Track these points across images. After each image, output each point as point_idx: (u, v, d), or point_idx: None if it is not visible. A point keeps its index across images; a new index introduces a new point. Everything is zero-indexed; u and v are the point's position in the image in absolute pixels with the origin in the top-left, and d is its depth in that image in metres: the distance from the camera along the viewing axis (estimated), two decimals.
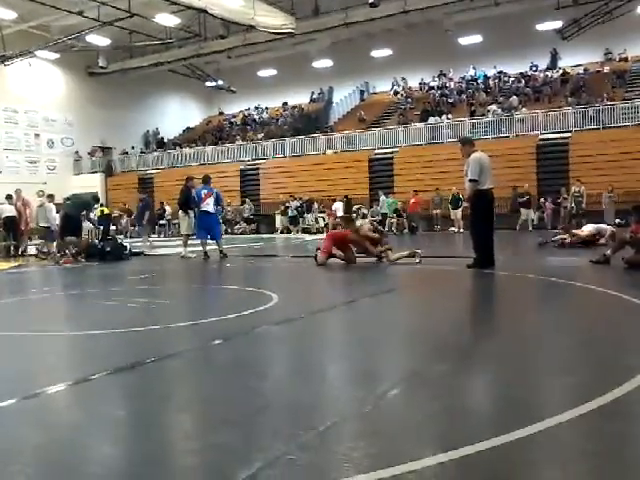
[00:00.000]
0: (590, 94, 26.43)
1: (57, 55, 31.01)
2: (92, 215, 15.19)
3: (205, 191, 13.19)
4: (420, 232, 22.99)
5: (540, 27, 29.97)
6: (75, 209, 13.53)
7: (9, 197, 15.35)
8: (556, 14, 26.76)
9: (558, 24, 28.71)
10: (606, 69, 29.25)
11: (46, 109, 32.99)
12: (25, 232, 15.63)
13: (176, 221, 28.14)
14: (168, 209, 28.51)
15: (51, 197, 15.25)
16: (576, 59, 30.35)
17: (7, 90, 30.90)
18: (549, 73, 30.83)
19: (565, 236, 12.96)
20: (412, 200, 23.62)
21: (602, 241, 12.29)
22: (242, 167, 31.09)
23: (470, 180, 8.74)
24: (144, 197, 19.92)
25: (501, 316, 5.56)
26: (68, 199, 13.80)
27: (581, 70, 29.80)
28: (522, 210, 22.18)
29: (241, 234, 26.25)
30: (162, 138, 38.60)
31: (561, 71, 30.48)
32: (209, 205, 13.07)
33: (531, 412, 2.78)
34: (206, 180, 13.55)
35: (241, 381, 3.49)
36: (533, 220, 22.25)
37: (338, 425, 2.69)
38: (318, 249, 10.84)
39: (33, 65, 31.07)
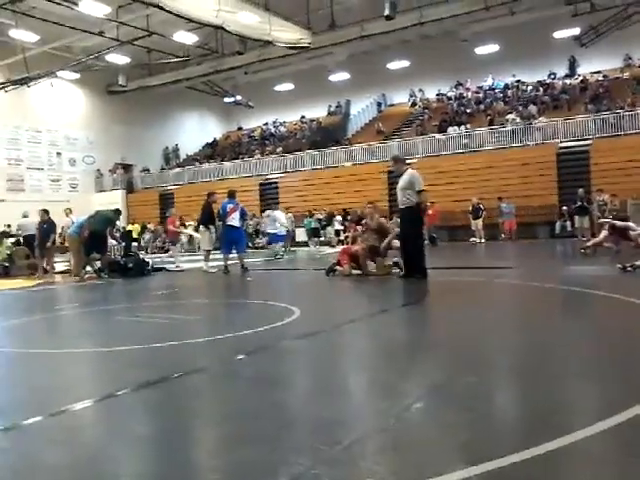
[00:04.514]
0: (610, 101, 26.19)
1: (78, 75, 31.58)
2: (115, 232, 15.27)
3: (231, 205, 13.29)
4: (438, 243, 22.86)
5: (557, 35, 29.84)
6: (100, 226, 13.66)
7: (45, 212, 15.39)
8: (573, 21, 26.63)
9: (576, 31, 28.56)
10: (626, 75, 28.99)
11: (68, 128, 33.57)
12: (51, 251, 15.77)
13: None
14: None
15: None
16: (595, 66, 30.14)
17: (30, 110, 31.51)
18: (568, 81, 30.63)
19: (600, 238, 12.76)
20: (430, 212, 23.47)
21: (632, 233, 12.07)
22: (261, 181, 31.26)
23: (422, 191, 9.47)
24: (47, 217, 15.15)
25: (526, 327, 5.49)
26: (92, 217, 13.93)
27: (600, 77, 29.56)
28: (577, 218, 20.31)
29: (261, 248, 26.32)
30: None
31: (580, 78, 30.27)
32: (235, 220, 13.16)
33: (559, 424, 2.73)
34: (232, 194, 13.65)
35: (265, 396, 3.48)
36: (588, 229, 19.79)
37: (362, 439, 2.67)
38: (338, 263, 10.88)
39: (55, 85, 31.64)
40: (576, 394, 3.37)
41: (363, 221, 11.29)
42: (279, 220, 19.29)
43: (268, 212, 19.82)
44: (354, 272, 10.59)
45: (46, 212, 15.31)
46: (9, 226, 20.10)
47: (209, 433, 3.02)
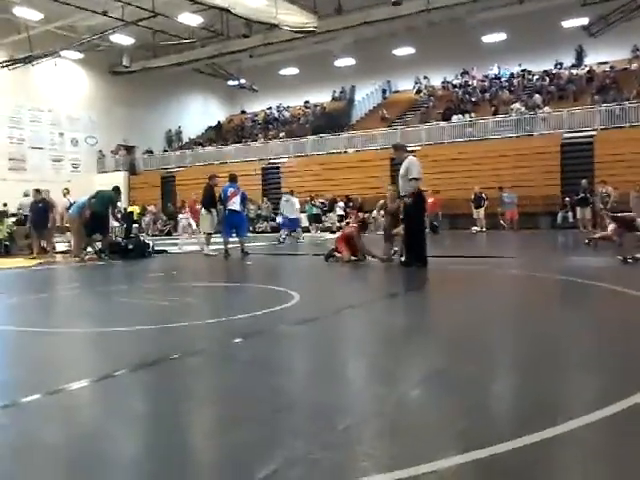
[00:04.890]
0: (617, 92, 26.02)
1: (81, 55, 31.39)
2: (117, 213, 15.17)
3: (232, 189, 13.29)
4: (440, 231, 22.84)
5: (566, 24, 29.54)
6: (101, 206, 13.62)
7: (38, 191, 15.35)
8: (582, 10, 26.39)
9: (584, 21, 28.29)
10: (634, 66, 28.76)
11: (70, 108, 33.40)
12: (51, 231, 15.76)
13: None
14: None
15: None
16: (603, 56, 29.87)
17: (33, 89, 31.35)
18: (574, 71, 30.42)
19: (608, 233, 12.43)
20: (431, 200, 23.41)
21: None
22: (264, 165, 31.19)
23: (414, 179, 9.39)
24: (41, 197, 15.17)
25: (525, 316, 5.49)
26: (93, 197, 13.86)
27: (607, 68, 29.34)
28: (578, 209, 20.32)
29: (262, 232, 26.34)
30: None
31: (587, 69, 30.06)
32: (235, 204, 13.16)
33: (556, 413, 2.74)
34: (233, 179, 13.63)
35: (262, 379, 3.49)
36: (589, 220, 19.92)
37: (359, 424, 2.68)
38: (335, 249, 10.90)
39: (58, 65, 31.46)
40: (574, 383, 3.37)
41: (381, 202, 11.24)
42: (295, 205, 19.60)
43: (287, 197, 20.01)
44: (353, 258, 10.60)
45: (39, 191, 15.23)
46: (5, 205, 19.99)
47: (205, 414, 3.03)
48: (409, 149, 26.98)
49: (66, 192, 17.16)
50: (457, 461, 2.23)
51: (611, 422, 2.61)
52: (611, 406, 2.73)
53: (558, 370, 3.56)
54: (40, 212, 14.76)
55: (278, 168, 30.72)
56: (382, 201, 11.16)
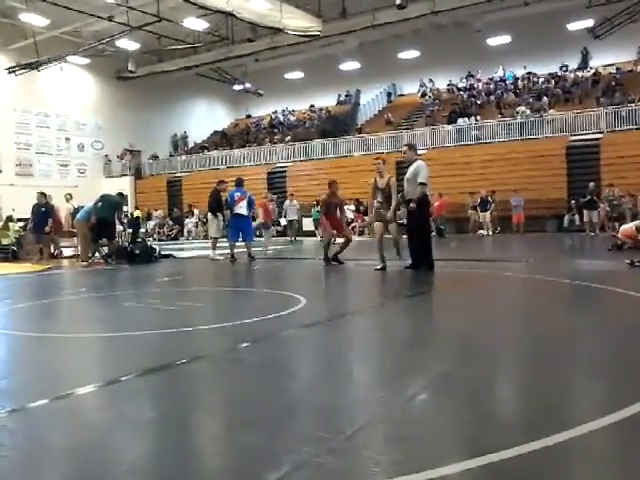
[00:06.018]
0: (623, 94, 25.95)
1: (88, 60, 31.56)
2: (123, 217, 15.23)
3: (238, 194, 13.28)
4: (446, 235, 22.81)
5: (571, 26, 29.47)
6: (107, 212, 13.65)
7: (43, 195, 15.39)
8: (587, 13, 26.29)
9: (589, 23, 28.21)
10: (639, 68, 28.69)
11: (77, 113, 33.57)
12: (56, 235, 15.79)
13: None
14: (196, 212, 28.92)
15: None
16: (608, 58, 29.80)
17: (39, 95, 31.52)
18: (580, 73, 30.35)
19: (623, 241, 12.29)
20: (437, 203, 23.40)
21: None
22: (269, 170, 31.22)
23: (422, 184, 9.29)
24: (45, 201, 15.35)
25: (532, 320, 5.47)
26: (99, 202, 13.89)
27: (613, 69, 29.27)
28: (585, 212, 20.32)
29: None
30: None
31: (592, 71, 29.99)
32: (242, 208, 13.15)
33: (563, 418, 2.72)
34: (239, 183, 13.63)
35: (269, 384, 3.49)
36: (596, 223, 20.13)
37: (366, 429, 2.67)
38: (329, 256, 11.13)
39: (64, 70, 31.61)
40: (581, 388, 3.36)
41: (371, 180, 11.13)
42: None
43: None
44: (339, 240, 10.93)
45: (44, 195, 15.25)
46: (13, 210, 20.08)
47: (212, 419, 3.03)
48: None
49: (69, 197, 17.20)
50: (464, 466, 2.22)
51: (620, 428, 2.59)
52: (620, 411, 2.71)
53: (566, 375, 3.54)
54: (41, 215, 14.80)
55: (284, 172, 30.75)
56: (372, 180, 10.87)
